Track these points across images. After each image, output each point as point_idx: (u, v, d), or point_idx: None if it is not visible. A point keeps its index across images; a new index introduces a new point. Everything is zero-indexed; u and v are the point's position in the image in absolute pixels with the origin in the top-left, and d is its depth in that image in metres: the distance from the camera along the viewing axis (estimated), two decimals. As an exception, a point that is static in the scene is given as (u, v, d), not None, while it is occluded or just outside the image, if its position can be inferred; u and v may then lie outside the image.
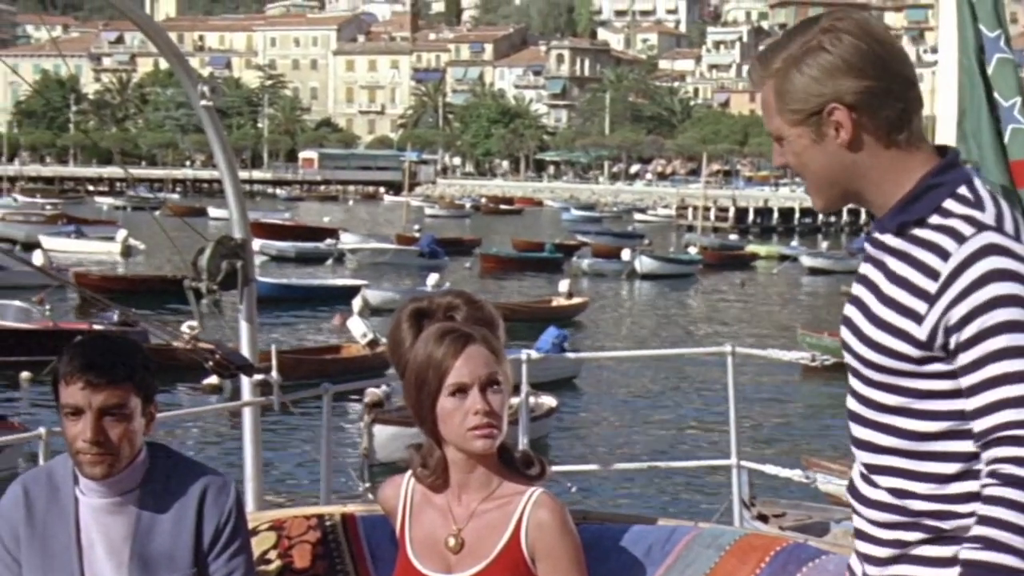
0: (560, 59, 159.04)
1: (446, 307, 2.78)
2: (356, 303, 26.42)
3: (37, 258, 36.71)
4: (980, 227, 2.06)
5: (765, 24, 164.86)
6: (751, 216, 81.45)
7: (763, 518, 11.53)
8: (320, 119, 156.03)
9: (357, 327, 24.91)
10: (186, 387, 21.92)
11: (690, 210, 78.18)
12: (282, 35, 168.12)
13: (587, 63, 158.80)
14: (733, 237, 69.08)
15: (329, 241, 53.08)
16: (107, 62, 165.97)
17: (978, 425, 2.04)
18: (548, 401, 19.26)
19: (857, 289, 2.21)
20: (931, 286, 2.06)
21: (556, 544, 2.65)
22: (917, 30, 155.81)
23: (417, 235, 55.16)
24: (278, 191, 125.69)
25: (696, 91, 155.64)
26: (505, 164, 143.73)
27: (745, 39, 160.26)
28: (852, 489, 2.23)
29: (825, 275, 49.97)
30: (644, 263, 47.86)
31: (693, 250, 55.63)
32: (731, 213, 79.47)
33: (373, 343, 24.04)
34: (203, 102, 4.48)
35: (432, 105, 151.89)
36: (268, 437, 15.82)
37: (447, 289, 3.20)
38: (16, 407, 20.99)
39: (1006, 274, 2.02)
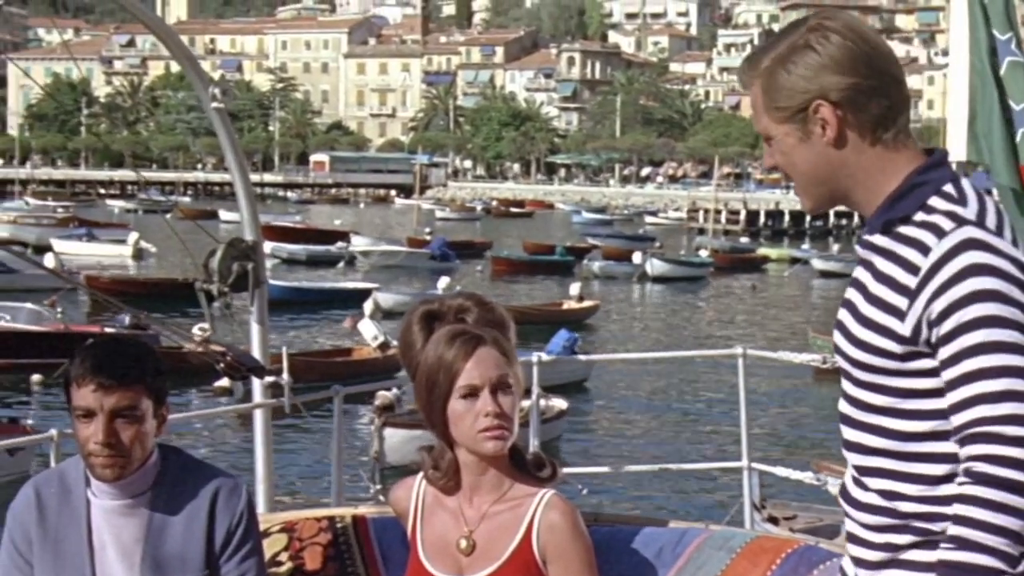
0: (571, 62, 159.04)
1: (457, 309, 2.78)
2: (367, 306, 26.39)
3: (49, 261, 36.57)
4: (960, 222, 2.06)
5: (776, 27, 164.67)
6: (762, 219, 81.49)
7: (774, 520, 11.52)
8: (331, 122, 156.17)
9: (368, 330, 24.91)
10: (197, 389, 21.95)
11: (701, 213, 78.19)
12: (293, 38, 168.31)
13: (598, 66, 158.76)
14: (744, 240, 68.96)
15: (340, 244, 52.99)
16: (118, 65, 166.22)
17: (955, 420, 2.03)
18: (559, 403, 19.26)
19: (849, 292, 2.22)
20: (912, 281, 2.06)
21: (568, 546, 2.65)
22: (928, 33, 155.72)
23: (428, 238, 55.05)
24: (289, 194, 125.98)
25: (707, 94, 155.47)
26: (516, 167, 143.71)
27: (756, 42, 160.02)
28: (844, 493, 2.23)
29: (836, 278, 49.78)
30: (655, 266, 47.77)
31: (704, 253, 55.59)
32: (742, 216, 79.52)
33: (384, 346, 24.04)
34: (214, 105, 4.48)
35: (443, 108, 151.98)
36: (279, 439, 15.87)
37: (458, 292, 3.19)
38: (28, 410, 21.04)
39: (984, 268, 2.01)
